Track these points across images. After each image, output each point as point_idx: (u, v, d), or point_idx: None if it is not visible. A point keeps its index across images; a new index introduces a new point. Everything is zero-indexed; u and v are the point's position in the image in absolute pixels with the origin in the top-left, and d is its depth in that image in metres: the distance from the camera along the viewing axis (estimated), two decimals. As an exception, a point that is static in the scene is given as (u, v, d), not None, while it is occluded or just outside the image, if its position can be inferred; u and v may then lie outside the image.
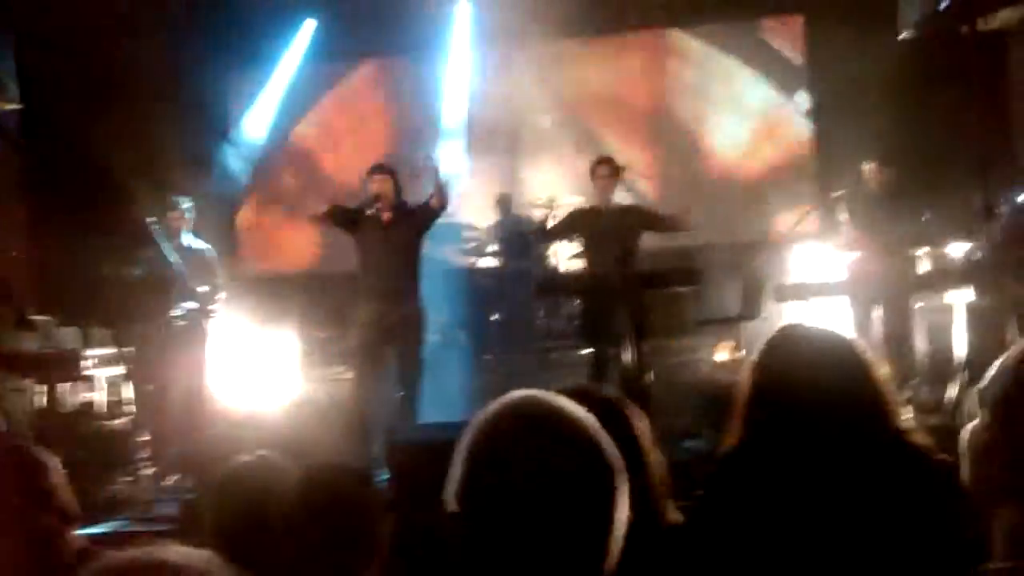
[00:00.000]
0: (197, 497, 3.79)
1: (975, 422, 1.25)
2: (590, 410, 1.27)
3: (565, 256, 7.15)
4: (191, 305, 5.67)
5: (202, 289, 5.72)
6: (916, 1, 5.01)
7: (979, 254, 4.90)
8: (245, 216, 9.17)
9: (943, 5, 4.75)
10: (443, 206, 5.45)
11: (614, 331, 4.82)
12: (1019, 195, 4.82)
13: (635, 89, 8.63)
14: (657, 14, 8.27)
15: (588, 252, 5.39)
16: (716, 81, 8.51)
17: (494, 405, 1.12)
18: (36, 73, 6.46)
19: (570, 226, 5.63)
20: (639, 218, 5.41)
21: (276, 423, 4.84)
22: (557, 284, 5.82)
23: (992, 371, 1.25)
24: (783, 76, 8.42)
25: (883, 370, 1.72)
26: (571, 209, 5.68)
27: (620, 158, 5.67)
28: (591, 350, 5.24)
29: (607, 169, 5.33)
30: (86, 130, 7.65)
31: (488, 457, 1.08)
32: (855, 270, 5.36)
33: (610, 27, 8.48)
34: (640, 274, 5.23)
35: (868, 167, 5.49)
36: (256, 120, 8.89)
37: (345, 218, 5.46)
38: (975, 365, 4.34)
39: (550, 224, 5.64)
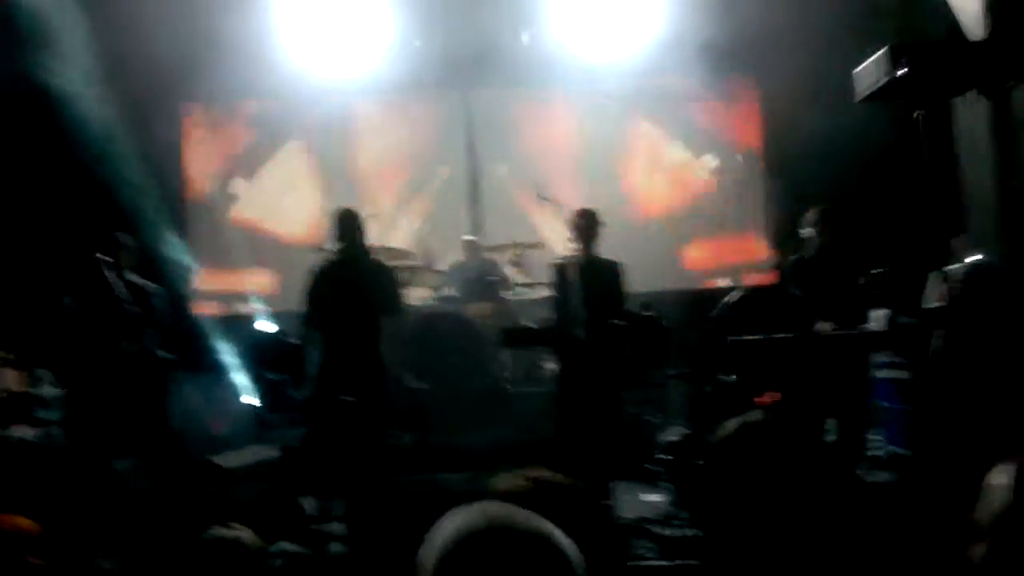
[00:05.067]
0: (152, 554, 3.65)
1: None
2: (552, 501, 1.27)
3: (530, 302, 7.15)
4: (140, 343, 5.51)
5: (150, 327, 5.57)
6: (873, 67, 5.16)
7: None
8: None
9: (900, 73, 4.90)
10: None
11: (584, 383, 4.81)
12: (969, 260, 4.93)
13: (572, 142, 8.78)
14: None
15: (561, 302, 5.26)
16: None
17: (456, 525, 1.09)
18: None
19: (556, 282, 5.43)
20: (614, 282, 5.36)
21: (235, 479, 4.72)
22: (528, 335, 5.74)
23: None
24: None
25: None
26: (551, 264, 5.61)
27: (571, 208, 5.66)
28: (560, 400, 5.21)
29: (585, 220, 5.35)
30: (38, 165, 7.48)
31: None
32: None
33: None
34: (612, 327, 5.22)
35: (809, 229, 5.53)
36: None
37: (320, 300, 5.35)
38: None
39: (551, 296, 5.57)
